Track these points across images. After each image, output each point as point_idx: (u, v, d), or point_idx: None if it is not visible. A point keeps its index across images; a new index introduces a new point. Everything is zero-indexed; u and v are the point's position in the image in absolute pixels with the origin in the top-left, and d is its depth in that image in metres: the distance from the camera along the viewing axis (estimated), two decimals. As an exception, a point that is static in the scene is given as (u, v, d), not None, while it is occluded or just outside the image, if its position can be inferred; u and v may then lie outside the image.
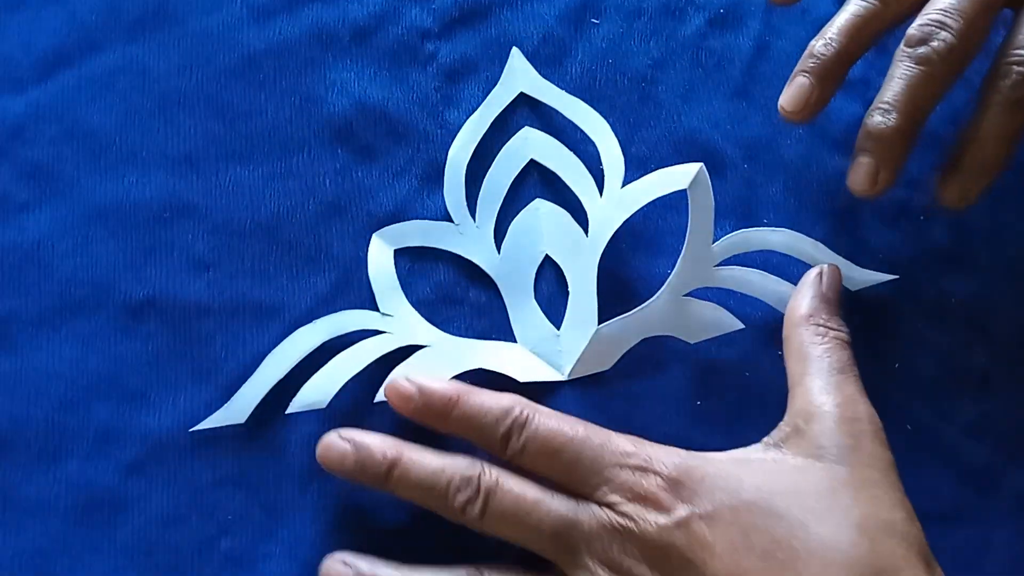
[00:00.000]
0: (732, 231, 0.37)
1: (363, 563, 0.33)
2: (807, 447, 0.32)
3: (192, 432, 0.35)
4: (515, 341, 0.37)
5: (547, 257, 0.37)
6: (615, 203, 0.37)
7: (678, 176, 0.36)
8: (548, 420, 0.33)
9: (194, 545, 0.34)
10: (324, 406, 0.35)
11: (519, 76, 0.38)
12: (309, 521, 0.35)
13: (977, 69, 0.40)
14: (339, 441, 0.33)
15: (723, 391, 0.37)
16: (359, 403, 0.35)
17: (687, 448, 0.33)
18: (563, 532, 0.32)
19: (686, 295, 0.37)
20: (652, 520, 0.31)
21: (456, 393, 0.33)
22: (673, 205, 0.38)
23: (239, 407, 0.35)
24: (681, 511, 0.31)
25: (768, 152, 0.39)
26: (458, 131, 0.38)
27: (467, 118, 0.38)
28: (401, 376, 0.34)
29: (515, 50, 0.39)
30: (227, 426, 0.35)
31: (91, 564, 0.34)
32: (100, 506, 0.35)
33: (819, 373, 0.33)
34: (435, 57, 0.39)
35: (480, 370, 0.36)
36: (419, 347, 0.36)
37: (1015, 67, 0.33)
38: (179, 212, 0.37)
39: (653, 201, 0.37)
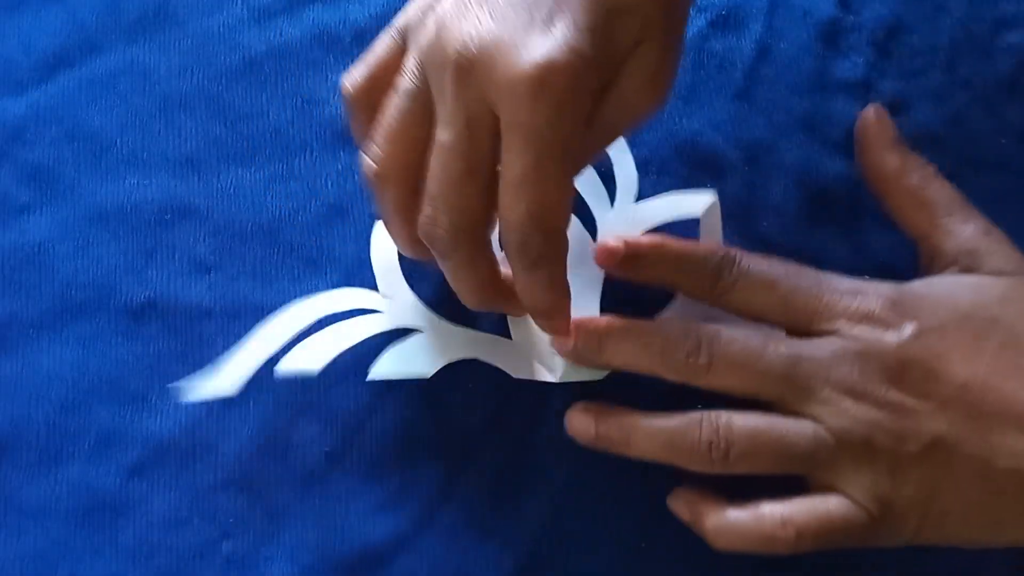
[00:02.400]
0: (732, 234, 0.37)
1: (603, 408, 0.33)
2: (990, 272, 0.33)
3: (189, 431, 0.35)
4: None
5: None
6: (626, 218, 0.37)
7: (692, 203, 0.37)
8: (757, 257, 0.33)
9: (195, 548, 0.34)
10: (314, 374, 0.34)
11: None
12: (311, 525, 0.35)
13: (977, 69, 0.41)
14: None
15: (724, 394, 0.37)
16: (350, 377, 0.35)
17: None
18: (796, 368, 0.31)
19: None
20: (887, 338, 0.31)
21: (661, 239, 0.34)
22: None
23: (231, 377, 0.34)
24: (911, 327, 0.31)
25: (769, 155, 0.39)
26: None
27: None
28: (608, 237, 0.35)
29: None
30: (229, 427, 0.35)
31: (92, 567, 0.34)
32: (101, 509, 0.35)
33: (950, 211, 0.34)
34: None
35: (474, 361, 0.36)
36: (415, 331, 0.36)
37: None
38: (180, 214, 0.37)
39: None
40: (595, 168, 0.38)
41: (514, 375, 0.36)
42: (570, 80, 0.27)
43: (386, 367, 0.35)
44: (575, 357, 0.34)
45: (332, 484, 0.35)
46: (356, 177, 0.38)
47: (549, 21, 0.28)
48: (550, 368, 0.36)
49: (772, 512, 0.31)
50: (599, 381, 0.35)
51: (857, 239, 0.39)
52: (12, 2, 0.39)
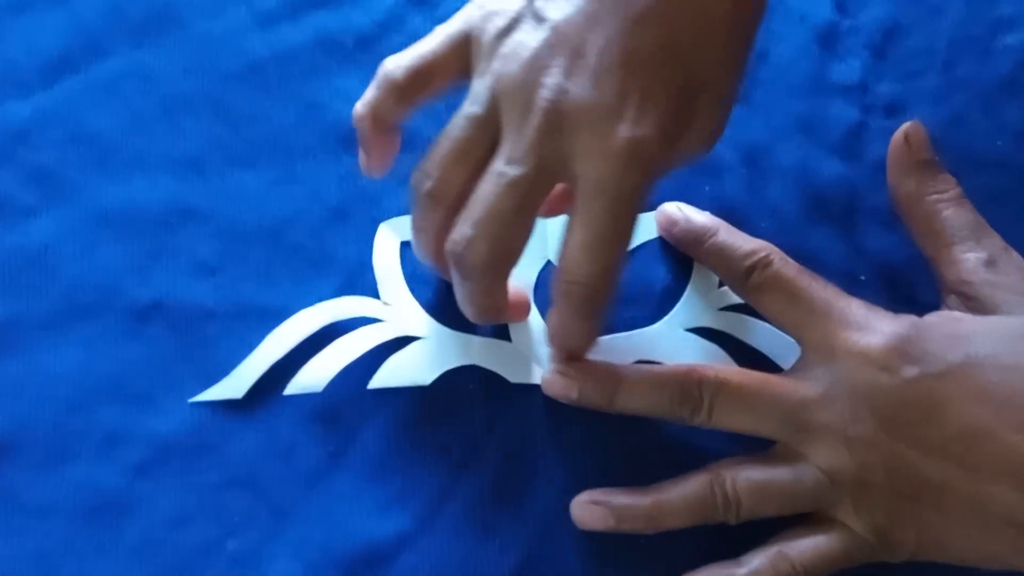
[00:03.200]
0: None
1: (613, 497, 0.33)
2: (1002, 305, 0.33)
3: (194, 430, 0.35)
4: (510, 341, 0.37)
5: (549, 263, 0.37)
6: None
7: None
8: (791, 267, 0.34)
9: (200, 547, 0.35)
10: (320, 390, 0.35)
11: None
12: (315, 523, 0.35)
13: (974, 71, 0.41)
14: (561, 377, 0.34)
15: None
16: (354, 389, 0.36)
17: (689, 452, 0.33)
18: (791, 412, 0.32)
19: (688, 330, 0.37)
20: (882, 381, 0.31)
21: (715, 226, 0.36)
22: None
23: (238, 382, 0.35)
24: (912, 370, 0.31)
25: (766, 157, 0.40)
26: None
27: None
28: (671, 205, 0.37)
29: None
30: (233, 427, 0.35)
31: (97, 566, 0.34)
32: (106, 508, 0.35)
33: (958, 239, 0.34)
34: (438, 64, 0.39)
35: (473, 366, 0.36)
36: (416, 338, 0.36)
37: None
38: (184, 216, 0.37)
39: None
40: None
41: (512, 380, 0.36)
42: (655, 153, 0.29)
43: (386, 376, 0.36)
44: (579, 400, 0.34)
45: (336, 483, 0.35)
46: (358, 181, 0.38)
47: (642, 101, 0.29)
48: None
49: (781, 556, 0.32)
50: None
51: (854, 240, 0.39)
52: (16, 5, 0.39)
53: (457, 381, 0.36)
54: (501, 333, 0.37)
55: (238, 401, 0.35)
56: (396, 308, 0.36)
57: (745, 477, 0.32)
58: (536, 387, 0.36)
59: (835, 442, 0.32)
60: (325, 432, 0.36)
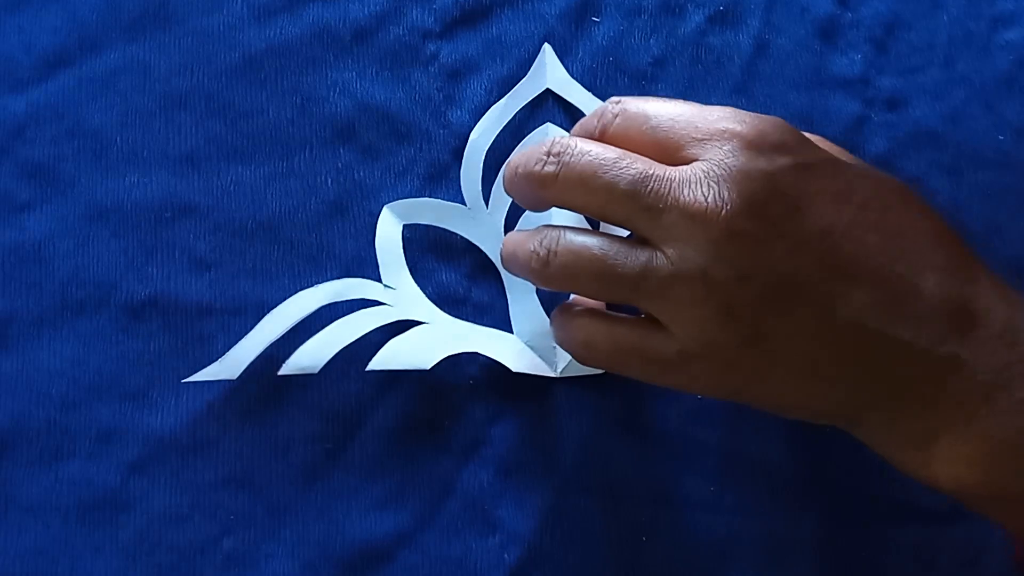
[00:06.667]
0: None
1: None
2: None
3: (190, 427, 0.35)
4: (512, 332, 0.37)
5: None
6: None
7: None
8: (640, 98, 0.32)
9: (196, 545, 0.34)
10: (316, 371, 0.35)
11: (548, 71, 0.39)
12: (312, 521, 0.35)
13: (975, 66, 0.41)
14: None
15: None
16: (351, 372, 0.36)
17: (687, 445, 0.33)
18: (643, 186, 0.29)
19: None
20: (756, 164, 0.29)
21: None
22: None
23: (232, 363, 0.35)
24: (785, 159, 0.29)
25: (768, 151, 0.39)
26: (460, 130, 0.38)
27: (469, 118, 0.38)
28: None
29: (547, 46, 0.39)
30: (230, 424, 0.35)
31: (92, 564, 0.34)
32: (102, 506, 0.35)
33: None
34: (437, 57, 0.39)
35: (474, 354, 0.36)
36: (417, 323, 0.36)
37: None
38: (180, 212, 0.37)
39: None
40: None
41: (513, 369, 0.36)
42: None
43: (386, 359, 0.35)
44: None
45: (333, 480, 0.35)
46: (355, 174, 0.38)
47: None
48: (550, 363, 0.36)
49: (586, 322, 0.31)
50: (601, 375, 0.36)
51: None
52: (12, 0, 0.39)
53: (458, 375, 0.36)
54: (504, 324, 0.37)
55: (235, 397, 0.35)
56: (398, 292, 0.36)
57: (577, 235, 0.30)
58: (538, 382, 0.35)
59: (690, 225, 0.28)
60: (322, 428, 0.35)
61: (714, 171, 0.29)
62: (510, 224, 0.37)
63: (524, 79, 0.38)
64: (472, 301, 0.37)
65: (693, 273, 0.28)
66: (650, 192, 0.29)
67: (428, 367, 0.35)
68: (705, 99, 0.39)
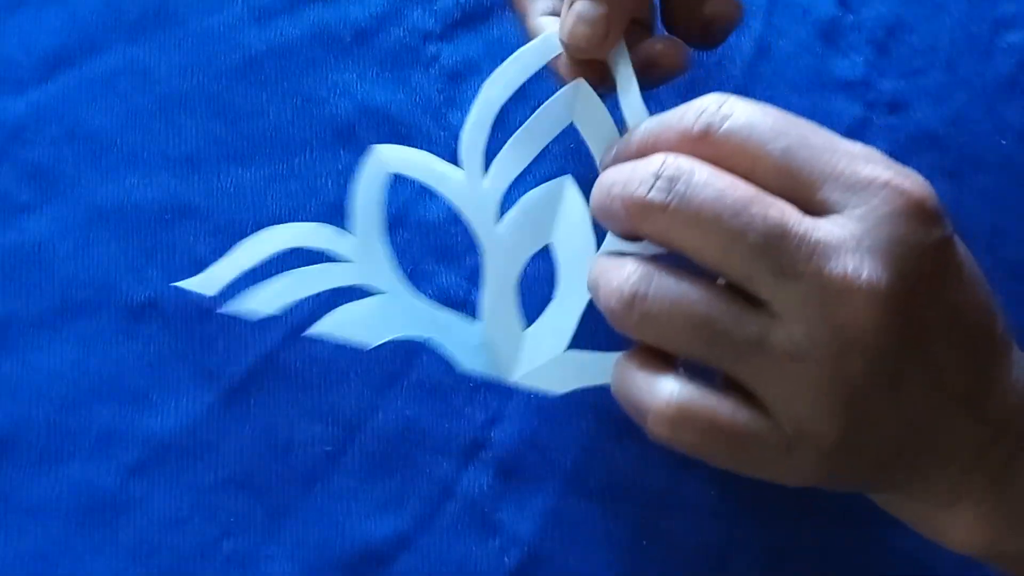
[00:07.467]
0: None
1: None
2: None
3: (190, 430, 0.35)
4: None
5: (540, 251, 0.33)
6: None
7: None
8: (754, 105, 0.26)
9: (196, 547, 0.34)
10: (276, 313, 0.32)
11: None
12: (311, 524, 0.35)
13: (976, 69, 0.41)
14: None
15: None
16: (351, 374, 0.36)
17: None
18: (782, 241, 0.24)
19: None
20: (919, 237, 0.24)
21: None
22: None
23: (211, 281, 0.32)
24: (939, 231, 0.25)
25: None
26: (461, 132, 0.37)
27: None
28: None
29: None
30: (229, 426, 0.35)
31: (93, 566, 0.34)
32: (102, 508, 0.35)
33: None
34: (437, 59, 0.39)
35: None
36: (377, 292, 0.33)
37: None
38: (180, 213, 0.37)
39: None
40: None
41: (462, 366, 0.32)
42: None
43: (331, 326, 0.32)
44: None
45: (333, 483, 0.35)
46: (355, 176, 0.38)
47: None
48: (508, 367, 0.32)
49: (666, 386, 0.25)
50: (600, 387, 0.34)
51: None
52: (12, 1, 0.39)
53: (458, 377, 0.36)
54: (471, 311, 0.33)
55: (234, 399, 0.35)
56: (365, 252, 0.33)
57: (671, 281, 0.25)
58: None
59: (831, 302, 0.24)
60: (322, 431, 0.35)
61: (867, 238, 0.24)
62: (507, 204, 0.33)
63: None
64: (472, 303, 0.37)
65: (822, 359, 0.24)
66: (786, 253, 0.24)
67: (372, 345, 0.32)
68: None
